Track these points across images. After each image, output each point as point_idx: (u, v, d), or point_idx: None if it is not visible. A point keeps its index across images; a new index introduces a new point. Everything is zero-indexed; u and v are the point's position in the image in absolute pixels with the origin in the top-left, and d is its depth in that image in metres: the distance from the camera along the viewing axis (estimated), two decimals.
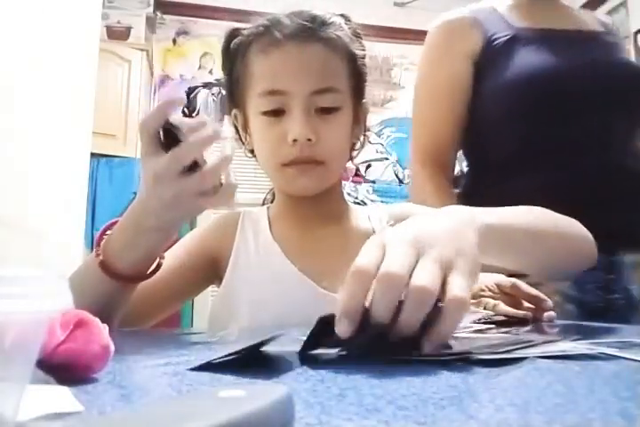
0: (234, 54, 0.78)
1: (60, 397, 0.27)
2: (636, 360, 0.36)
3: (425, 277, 0.39)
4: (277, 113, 0.72)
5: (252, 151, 0.81)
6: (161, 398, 0.28)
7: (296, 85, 0.71)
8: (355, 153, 0.84)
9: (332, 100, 0.73)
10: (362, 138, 0.84)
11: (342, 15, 0.80)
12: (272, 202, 0.87)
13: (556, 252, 0.65)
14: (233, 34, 0.78)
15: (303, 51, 0.72)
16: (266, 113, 0.73)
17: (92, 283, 0.60)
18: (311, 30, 0.72)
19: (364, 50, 0.80)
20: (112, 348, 0.33)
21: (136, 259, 0.60)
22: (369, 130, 0.85)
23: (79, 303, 0.33)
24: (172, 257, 0.72)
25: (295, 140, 0.70)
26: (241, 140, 0.83)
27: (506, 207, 0.59)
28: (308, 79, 0.71)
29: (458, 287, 0.39)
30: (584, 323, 0.71)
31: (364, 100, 0.82)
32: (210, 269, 0.78)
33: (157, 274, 0.64)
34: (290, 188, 0.77)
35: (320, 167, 0.73)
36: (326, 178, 0.77)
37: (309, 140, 0.70)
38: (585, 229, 0.68)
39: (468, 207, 0.53)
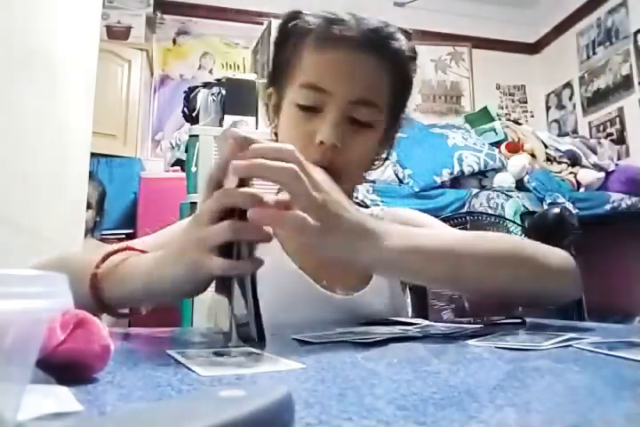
0: (288, 35, 0.75)
1: (60, 397, 0.27)
2: (635, 360, 0.36)
3: None
4: (311, 110, 0.71)
5: (275, 134, 0.80)
6: (161, 398, 0.28)
7: (339, 88, 0.69)
8: (373, 168, 0.82)
9: (368, 115, 0.71)
10: (384, 155, 0.82)
11: (405, 31, 0.77)
12: None
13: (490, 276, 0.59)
14: (293, 15, 0.75)
15: (358, 58, 0.70)
16: (301, 106, 0.71)
17: (79, 285, 0.54)
18: (374, 42, 0.71)
19: (415, 72, 0.78)
20: (112, 348, 0.33)
21: (122, 302, 0.56)
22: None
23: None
24: (164, 234, 0.73)
25: (322, 143, 0.68)
26: (269, 118, 0.81)
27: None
28: (353, 86, 0.70)
29: None
30: (584, 322, 0.71)
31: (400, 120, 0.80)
32: None
33: (148, 248, 0.63)
34: None
35: (334, 179, 0.72)
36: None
37: (335, 146, 0.69)
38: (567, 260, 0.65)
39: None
